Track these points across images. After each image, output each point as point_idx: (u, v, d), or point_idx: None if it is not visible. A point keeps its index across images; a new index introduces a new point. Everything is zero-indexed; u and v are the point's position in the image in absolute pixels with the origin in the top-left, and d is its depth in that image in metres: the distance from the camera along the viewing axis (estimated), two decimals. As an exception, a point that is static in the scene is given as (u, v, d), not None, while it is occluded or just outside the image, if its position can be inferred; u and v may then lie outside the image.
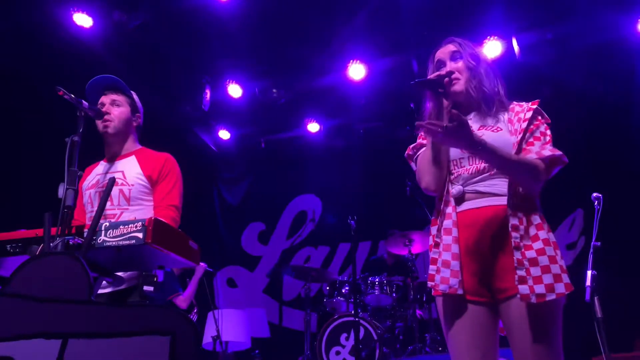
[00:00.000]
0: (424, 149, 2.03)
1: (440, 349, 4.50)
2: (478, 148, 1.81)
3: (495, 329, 1.87)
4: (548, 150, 1.87)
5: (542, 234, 1.82)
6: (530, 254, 1.79)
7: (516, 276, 1.79)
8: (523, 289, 1.77)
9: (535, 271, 1.77)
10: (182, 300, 4.48)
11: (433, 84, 1.97)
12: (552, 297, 1.74)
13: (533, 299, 1.75)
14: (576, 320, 3.34)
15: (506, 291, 1.81)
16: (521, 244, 1.81)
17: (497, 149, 1.83)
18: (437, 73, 1.99)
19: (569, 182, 5.31)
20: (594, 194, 3.16)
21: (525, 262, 1.79)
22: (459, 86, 1.99)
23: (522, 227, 1.82)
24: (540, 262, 1.77)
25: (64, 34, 4.92)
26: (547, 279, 1.76)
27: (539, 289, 1.75)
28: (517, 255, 1.80)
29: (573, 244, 5.80)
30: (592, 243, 2.99)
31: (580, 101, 5.76)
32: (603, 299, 2.81)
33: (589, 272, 2.82)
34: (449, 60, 2.04)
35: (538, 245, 1.80)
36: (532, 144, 1.90)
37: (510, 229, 1.82)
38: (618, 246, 4.88)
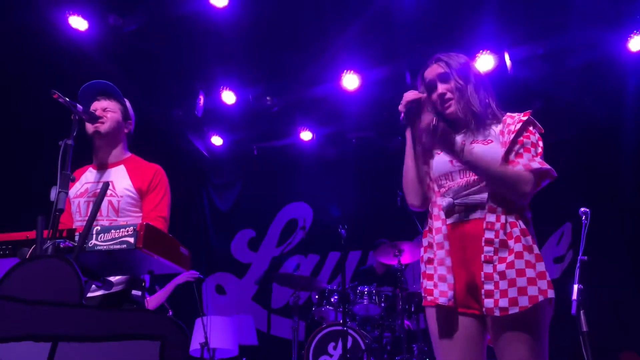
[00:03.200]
0: (407, 157, 2.07)
1: (427, 359, 4.51)
2: (460, 154, 1.87)
3: (483, 340, 1.89)
4: (537, 163, 1.89)
5: (518, 246, 1.82)
6: (501, 267, 1.81)
7: (482, 290, 1.81)
8: (488, 302, 1.79)
9: (503, 285, 1.79)
10: (149, 301, 4.40)
11: (411, 115, 2.02)
12: (515, 310, 1.75)
13: (497, 313, 1.77)
14: (562, 333, 3.37)
15: None
16: (495, 257, 1.82)
17: (480, 157, 1.88)
18: (418, 97, 2.02)
19: (558, 196, 5.35)
20: (582, 209, 3.20)
21: (496, 276, 1.80)
22: (453, 107, 2.04)
23: (497, 240, 1.83)
24: (508, 276, 1.79)
25: (59, 36, 4.91)
26: (512, 292, 1.77)
27: (503, 302, 1.77)
28: (487, 269, 1.82)
29: (561, 258, 5.84)
30: (579, 257, 3.02)
31: (571, 116, 5.83)
32: (589, 313, 2.84)
33: (576, 286, 2.85)
34: (439, 82, 2.06)
35: (510, 258, 1.81)
36: (520, 155, 1.92)
37: (483, 243, 1.84)
38: (605, 260, 4.93)
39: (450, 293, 1.87)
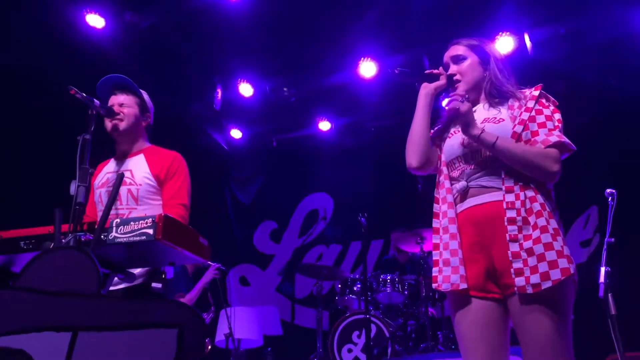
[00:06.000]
0: (417, 113, 2.10)
1: (452, 347, 4.48)
2: (478, 134, 1.87)
3: (505, 324, 1.86)
4: (555, 137, 1.85)
5: (541, 221, 1.79)
6: (528, 244, 1.78)
7: (512, 269, 1.78)
8: (519, 281, 1.76)
9: (532, 261, 1.76)
10: (184, 302, 4.47)
11: (415, 77, 2.12)
12: (548, 284, 1.72)
13: (529, 290, 1.73)
14: (590, 317, 3.31)
15: (511, 286, 1.80)
16: (519, 235, 1.79)
17: (500, 140, 1.85)
18: (430, 70, 2.09)
19: (584, 178, 5.25)
20: (608, 190, 3.12)
21: (523, 254, 1.77)
22: (461, 89, 2.05)
23: (519, 217, 1.80)
24: (536, 251, 1.76)
25: (77, 34, 4.97)
26: (542, 267, 1.74)
27: (535, 278, 1.73)
28: (514, 247, 1.79)
29: (587, 241, 5.74)
30: (605, 239, 2.96)
31: (594, 97, 5.69)
32: (617, 296, 2.78)
33: (603, 269, 2.79)
34: (452, 63, 2.10)
35: (536, 234, 1.78)
36: (536, 133, 1.87)
37: (506, 222, 1.81)
38: (633, 242, 4.82)
39: (454, 277, 1.85)
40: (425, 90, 2.07)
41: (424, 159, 2.03)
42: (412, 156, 2.05)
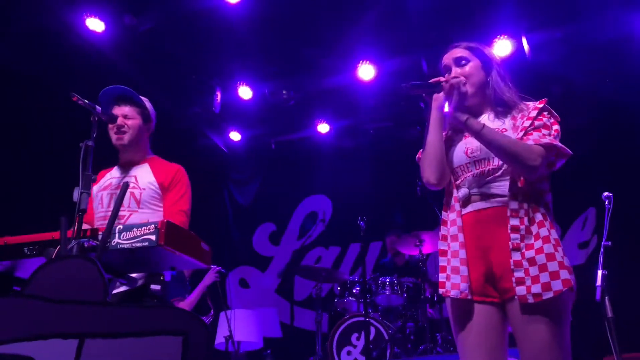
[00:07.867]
0: (431, 128, 2.03)
1: (451, 349, 4.50)
2: (464, 120, 1.93)
3: (503, 328, 1.88)
4: (547, 139, 1.86)
5: (543, 231, 1.81)
6: (530, 253, 1.80)
7: (513, 278, 1.80)
8: (520, 290, 1.78)
9: (533, 271, 1.77)
10: (184, 305, 4.50)
11: (428, 87, 2.03)
12: (549, 295, 1.74)
13: (530, 299, 1.75)
14: (587, 320, 3.33)
15: (510, 291, 1.82)
16: (522, 244, 1.81)
17: (487, 128, 1.89)
18: (436, 79, 2.03)
19: (582, 180, 5.28)
20: (605, 193, 3.15)
21: (525, 263, 1.79)
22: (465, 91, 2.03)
23: (522, 227, 1.82)
24: (538, 261, 1.78)
25: (77, 38, 4.99)
26: (544, 277, 1.76)
27: (536, 288, 1.75)
28: (516, 256, 1.81)
29: (585, 243, 5.76)
30: (602, 242, 2.98)
31: (591, 100, 5.72)
32: (614, 299, 2.80)
33: (599, 272, 2.82)
34: (454, 65, 2.06)
35: (538, 244, 1.80)
36: (530, 134, 1.89)
37: (509, 230, 1.83)
38: (630, 244, 4.85)
39: (463, 285, 1.86)
40: (437, 102, 2.01)
41: (441, 173, 1.99)
42: (431, 172, 1.99)
